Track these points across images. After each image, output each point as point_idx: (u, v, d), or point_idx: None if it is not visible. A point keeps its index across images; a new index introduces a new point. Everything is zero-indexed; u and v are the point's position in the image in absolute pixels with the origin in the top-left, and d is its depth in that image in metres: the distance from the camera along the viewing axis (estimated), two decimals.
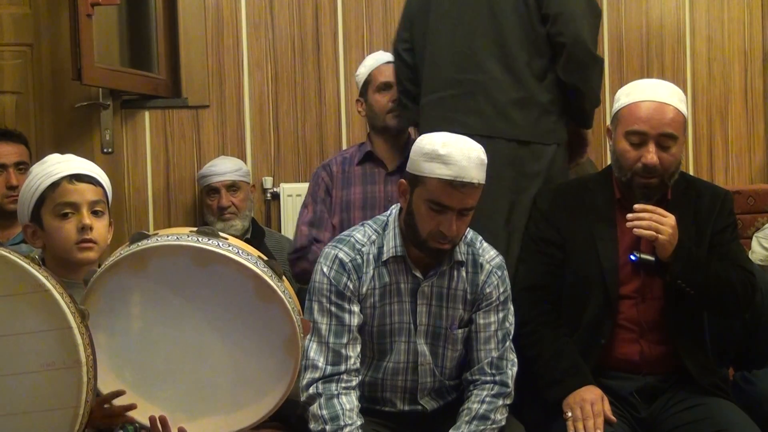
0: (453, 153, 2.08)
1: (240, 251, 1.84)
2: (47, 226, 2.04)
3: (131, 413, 1.86)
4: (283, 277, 1.90)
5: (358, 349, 2.20)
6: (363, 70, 3.04)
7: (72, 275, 2.03)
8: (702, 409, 2.22)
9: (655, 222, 2.22)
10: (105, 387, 1.86)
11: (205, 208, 3.51)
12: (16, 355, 1.68)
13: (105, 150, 3.46)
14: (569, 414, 2.20)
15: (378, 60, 3.02)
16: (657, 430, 2.27)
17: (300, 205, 3.07)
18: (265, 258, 1.88)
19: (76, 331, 1.67)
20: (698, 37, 4.01)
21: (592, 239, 2.36)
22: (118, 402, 1.86)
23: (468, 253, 2.26)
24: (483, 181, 2.13)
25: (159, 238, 1.86)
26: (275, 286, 1.82)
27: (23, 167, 2.92)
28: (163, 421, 1.85)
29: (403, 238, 2.21)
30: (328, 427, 2.10)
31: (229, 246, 1.85)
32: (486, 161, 2.14)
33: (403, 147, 2.94)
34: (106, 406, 1.85)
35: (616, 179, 2.39)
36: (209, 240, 1.84)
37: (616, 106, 2.36)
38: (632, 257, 2.32)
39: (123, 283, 1.86)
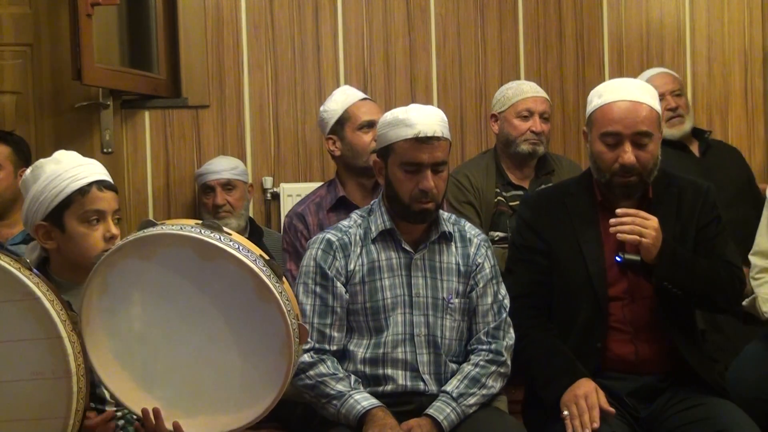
0: (413, 115, 2.23)
1: (241, 248, 1.83)
2: (71, 230, 2.00)
3: (129, 405, 1.86)
4: (283, 279, 1.89)
5: (343, 333, 2.28)
6: (335, 107, 2.90)
7: (82, 279, 2.01)
8: (702, 409, 2.23)
9: (638, 225, 2.22)
10: (108, 376, 1.86)
11: (201, 206, 3.51)
12: (4, 362, 1.67)
13: (105, 150, 3.45)
14: (566, 413, 2.20)
15: (350, 96, 2.91)
16: (657, 430, 2.27)
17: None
18: (267, 257, 1.87)
19: (66, 340, 1.67)
20: (698, 37, 4.00)
21: (577, 243, 2.37)
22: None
23: (455, 230, 2.38)
24: (448, 137, 2.27)
25: (164, 227, 1.85)
26: (272, 287, 1.82)
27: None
28: (156, 413, 1.85)
29: (390, 216, 2.31)
30: (324, 385, 2.21)
31: (230, 241, 1.84)
32: (447, 121, 2.28)
33: (372, 189, 2.86)
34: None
35: (596, 181, 2.39)
36: (212, 233, 1.84)
37: (590, 108, 2.36)
38: (618, 258, 2.32)
39: (129, 267, 1.85)
